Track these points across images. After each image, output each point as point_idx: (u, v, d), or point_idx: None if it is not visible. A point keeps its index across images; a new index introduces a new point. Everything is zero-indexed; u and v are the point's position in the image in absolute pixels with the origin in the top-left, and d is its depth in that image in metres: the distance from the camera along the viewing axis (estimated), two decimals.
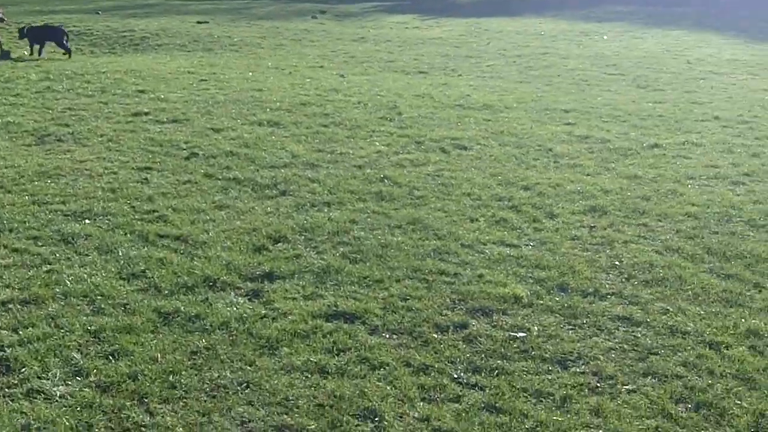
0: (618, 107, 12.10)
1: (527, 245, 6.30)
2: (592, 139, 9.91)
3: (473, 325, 4.92)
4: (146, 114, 10.36)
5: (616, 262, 5.95)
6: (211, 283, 5.40)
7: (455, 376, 4.33)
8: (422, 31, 23.63)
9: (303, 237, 6.29)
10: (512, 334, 4.79)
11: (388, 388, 4.19)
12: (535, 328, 4.89)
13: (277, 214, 6.81)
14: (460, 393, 4.17)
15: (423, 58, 17.65)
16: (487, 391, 4.18)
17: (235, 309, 5.01)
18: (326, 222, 6.61)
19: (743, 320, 5.00)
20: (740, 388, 4.21)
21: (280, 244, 6.13)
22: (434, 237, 6.38)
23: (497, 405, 4.05)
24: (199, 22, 22.56)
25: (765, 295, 5.39)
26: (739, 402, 4.08)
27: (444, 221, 6.77)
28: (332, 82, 13.63)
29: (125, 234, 6.24)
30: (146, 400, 4.07)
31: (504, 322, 4.96)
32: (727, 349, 4.63)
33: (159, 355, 4.48)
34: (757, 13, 30.42)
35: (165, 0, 30.07)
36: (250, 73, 14.18)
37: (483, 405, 4.06)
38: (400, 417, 3.97)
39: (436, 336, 4.77)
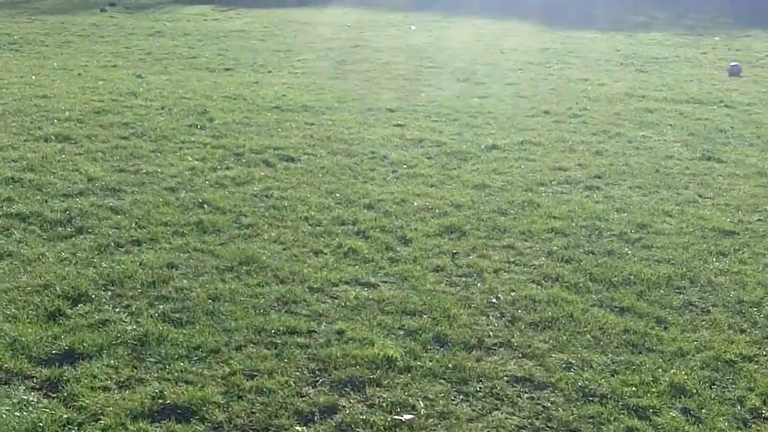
0: (444, 104, 11.37)
1: (386, 282, 5.32)
2: (426, 143, 9.08)
3: (344, 406, 3.88)
4: None
5: (493, 300, 5.07)
6: None
7: None
8: (222, 23, 22.22)
9: (110, 292, 5.02)
10: (396, 417, 3.78)
11: None
12: (421, 403, 3.91)
13: (75, 261, 5.47)
14: None
15: (228, 53, 16.33)
16: None
17: (26, 414, 3.72)
18: (138, 269, 5.35)
19: (661, 371, 4.23)
20: None
21: (80, 306, 4.83)
22: (275, 280, 5.27)
23: None
24: None
25: (673, 333, 4.66)
26: None
27: (283, 257, 5.67)
28: (129, 84, 12.12)
29: None
30: None
31: (381, 399, 3.95)
32: (658, 416, 3.83)
33: None
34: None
35: None
36: (34, 77, 12.42)
37: None
38: None
39: (300, 430, 3.69)
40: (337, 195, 7.09)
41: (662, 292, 5.25)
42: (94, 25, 20.39)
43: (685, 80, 14.11)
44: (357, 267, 5.53)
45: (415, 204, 6.90)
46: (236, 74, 13.76)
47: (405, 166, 8.12)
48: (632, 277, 5.44)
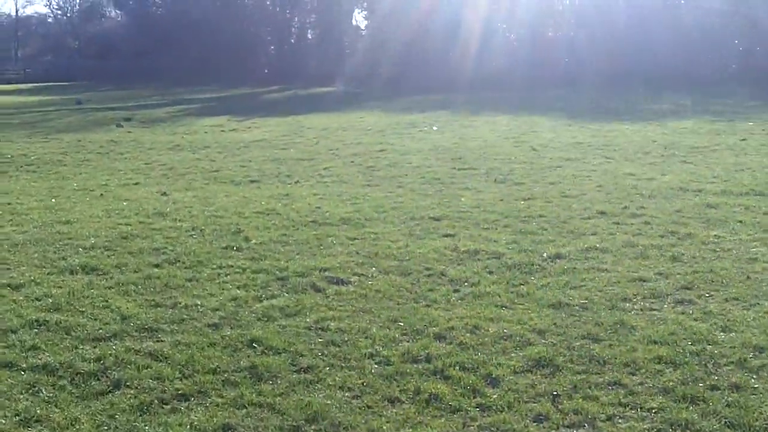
0: (489, 209, 10.67)
1: None
2: (483, 255, 8.33)
3: None
4: None
5: None
6: None
7: None
8: (241, 134, 21.87)
9: None
10: None
11: None
12: None
13: (114, 427, 4.66)
14: None
15: (251, 165, 15.80)
16: None
17: None
18: None
19: None
20: None
21: None
22: None
23: None
24: None
25: None
26: None
27: (355, 409, 4.85)
28: (154, 203, 11.50)
29: None
30: None
31: None
32: None
33: None
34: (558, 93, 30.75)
35: None
36: (53, 200, 11.83)
37: None
38: None
39: None
40: (401, 324, 6.30)
41: None
42: (112, 141, 20.04)
43: (735, 170, 13.44)
44: (444, 420, 4.70)
45: (491, 331, 6.09)
46: (263, 186, 13.17)
47: (467, 284, 7.35)
48: None
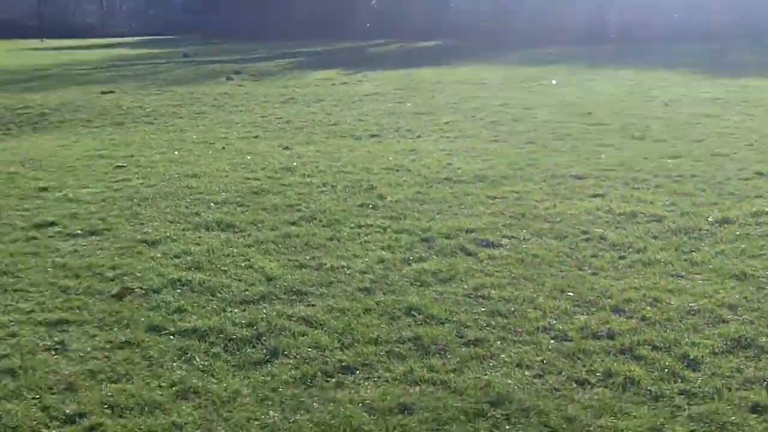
0: (634, 167, 9.94)
1: None
2: (641, 217, 7.67)
3: None
4: (52, 224, 7.69)
5: None
6: None
7: None
8: (353, 87, 21.37)
9: None
10: None
11: None
12: None
13: (279, 401, 4.26)
14: None
15: (368, 119, 15.29)
16: None
17: None
18: (362, 414, 4.10)
19: None
20: None
21: None
22: None
23: None
24: (103, 92, 19.77)
25: None
26: None
27: (541, 391, 4.33)
28: (279, 157, 11.13)
29: None
30: None
31: None
32: None
33: None
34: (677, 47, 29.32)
35: (63, 70, 27.26)
36: (176, 153, 11.58)
37: None
38: None
39: None
40: (570, 294, 5.73)
41: None
42: (225, 94, 19.80)
43: None
44: (647, 408, 4.14)
45: (674, 305, 5.48)
46: (385, 141, 12.67)
47: (631, 250, 6.72)
48: None
